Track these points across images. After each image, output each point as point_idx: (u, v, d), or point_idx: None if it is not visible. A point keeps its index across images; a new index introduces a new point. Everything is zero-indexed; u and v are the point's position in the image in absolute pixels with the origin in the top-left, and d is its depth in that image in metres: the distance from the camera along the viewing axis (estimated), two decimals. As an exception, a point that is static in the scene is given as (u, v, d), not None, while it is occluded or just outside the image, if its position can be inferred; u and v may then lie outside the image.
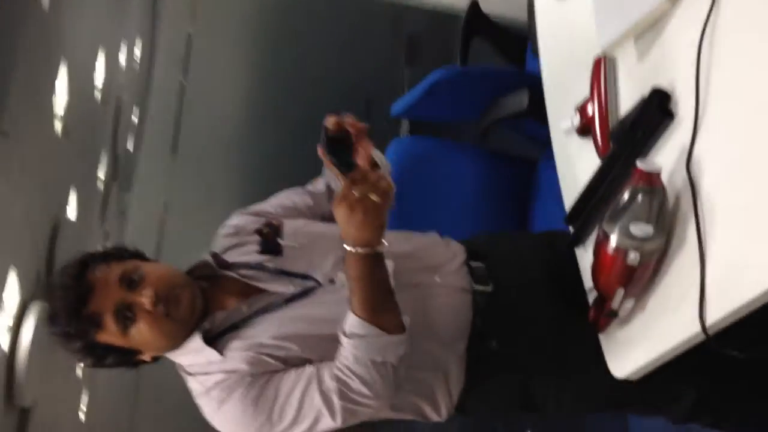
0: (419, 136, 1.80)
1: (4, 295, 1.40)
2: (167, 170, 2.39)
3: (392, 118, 2.46)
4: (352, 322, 1.00)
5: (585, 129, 1.11)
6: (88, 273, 1.05)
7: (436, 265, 1.16)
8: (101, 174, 2.32)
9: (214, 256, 1.15)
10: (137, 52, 2.87)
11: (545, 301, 1.15)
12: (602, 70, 1.09)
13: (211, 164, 2.38)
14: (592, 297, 1.01)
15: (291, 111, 2.46)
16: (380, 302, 1.00)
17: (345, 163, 1.02)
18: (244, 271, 1.12)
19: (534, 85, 1.52)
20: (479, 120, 1.71)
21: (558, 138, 1.24)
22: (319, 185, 1.28)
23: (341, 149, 1.02)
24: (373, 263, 0.98)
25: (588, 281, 1.04)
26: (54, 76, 1.73)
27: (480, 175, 1.78)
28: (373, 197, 0.95)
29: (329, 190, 1.26)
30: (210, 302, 1.11)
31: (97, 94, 2.14)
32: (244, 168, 2.46)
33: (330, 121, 1.03)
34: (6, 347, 1.39)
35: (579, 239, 1.10)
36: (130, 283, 1.05)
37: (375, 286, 0.99)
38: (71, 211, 1.94)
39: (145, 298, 1.03)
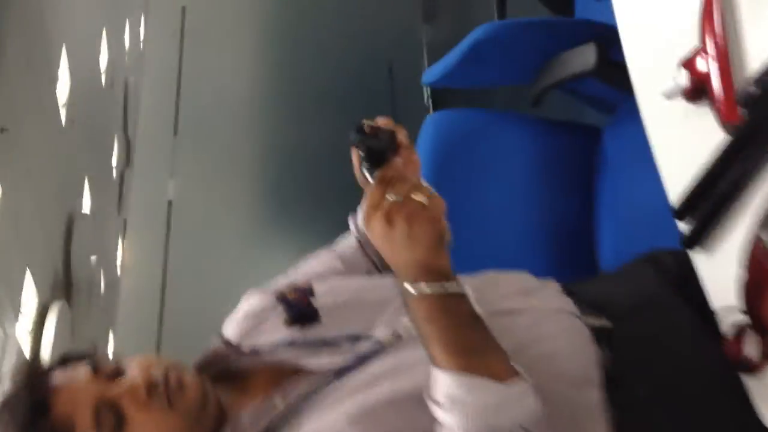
0: (460, 109, 1.51)
1: (22, 298, 1.34)
2: (171, 153, 2.15)
3: (413, 87, 2.23)
4: (442, 383, 0.68)
5: (697, 91, 0.83)
6: (45, 378, 0.78)
7: (529, 288, 0.89)
8: (114, 161, 2.23)
9: (227, 343, 0.87)
10: (141, 30, 2.72)
11: (677, 327, 0.88)
12: (716, 4, 0.81)
13: (218, 145, 2.14)
14: (730, 321, 0.74)
15: (301, 82, 2.20)
16: (475, 340, 0.69)
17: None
18: (270, 355, 0.83)
19: (600, 38, 1.24)
20: (531, 83, 1.42)
21: (650, 103, 0.96)
22: (347, 244, 1.01)
23: (379, 161, 0.77)
24: (445, 296, 0.69)
25: (718, 299, 0.78)
26: (55, 63, 1.65)
27: (539, 149, 1.50)
28: (419, 197, 0.70)
29: (362, 247, 0.99)
30: (229, 407, 0.81)
31: (103, 78, 2.04)
32: (256, 147, 2.21)
33: (379, 122, 0.79)
34: (28, 351, 1.33)
35: (695, 239, 0.82)
36: (110, 372, 0.77)
37: (459, 320, 0.69)
38: (86, 204, 1.88)
39: (136, 384, 0.74)
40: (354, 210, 1.00)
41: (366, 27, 2.30)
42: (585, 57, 1.20)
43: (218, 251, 2.05)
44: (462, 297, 0.71)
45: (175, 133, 2.14)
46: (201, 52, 2.35)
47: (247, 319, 0.90)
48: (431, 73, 1.48)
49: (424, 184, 0.75)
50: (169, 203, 2.07)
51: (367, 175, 0.77)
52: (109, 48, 2.11)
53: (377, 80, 2.16)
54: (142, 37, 2.55)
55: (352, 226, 1.02)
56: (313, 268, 0.99)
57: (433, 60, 2.35)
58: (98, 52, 2.06)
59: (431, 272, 0.70)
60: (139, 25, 2.62)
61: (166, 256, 2.12)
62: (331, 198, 1.97)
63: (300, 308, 0.86)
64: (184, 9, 2.38)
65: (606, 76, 1.30)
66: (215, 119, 2.17)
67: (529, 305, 0.85)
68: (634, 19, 1.00)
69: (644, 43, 0.98)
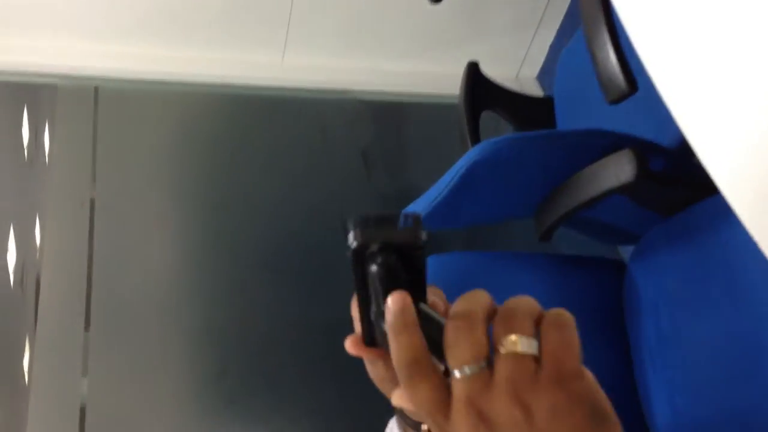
0: (452, 253, 1.20)
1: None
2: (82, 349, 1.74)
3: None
4: None
5: None
6: None
7: None
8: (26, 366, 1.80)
9: None
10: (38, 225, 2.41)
11: None
12: None
13: (140, 337, 1.72)
14: None
15: (241, 251, 1.86)
16: None
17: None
18: None
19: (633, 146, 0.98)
20: (538, 214, 1.14)
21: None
22: None
23: (416, 284, 0.44)
24: None
25: None
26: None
27: (552, 292, 1.19)
28: (528, 348, 0.41)
29: None
30: None
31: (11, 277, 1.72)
32: (190, 332, 1.78)
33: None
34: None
35: None
36: None
37: None
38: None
39: None
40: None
41: (310, 183, 2.03)
42: (621, 168, 0.93)
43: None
44: None
45: (87, 327, 1.79)
46: (114, 238, 2.00)
47: None
48: (407, 214, 1.18)
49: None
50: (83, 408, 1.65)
51: (384, 324, 0.43)
52: (17, 245, 1.81)
53: (332, 238, 1.87)
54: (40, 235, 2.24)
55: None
56: None
57: (388, 208, 2.09)
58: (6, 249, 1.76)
59: None
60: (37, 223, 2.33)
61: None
62: (294, 389, 1.57)
63: None
64: (92, 201, 2.06)
65: (642, 192, 1.03)
66: (136, 308, 1.81)
67: None
68: (696, 96, 0.74)
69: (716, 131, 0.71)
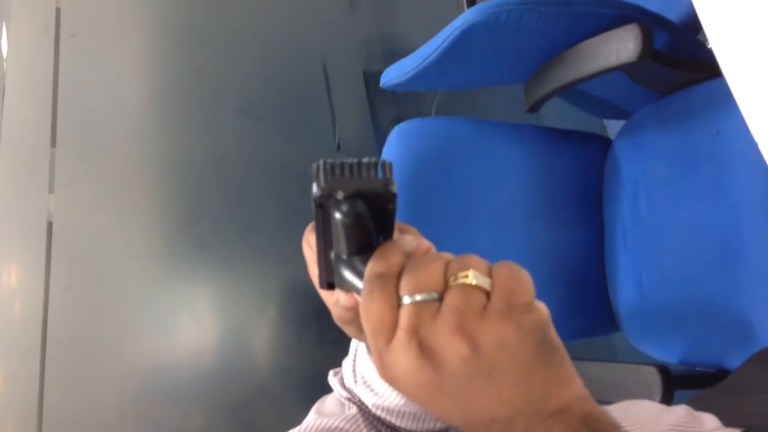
0: (437, 118, 1.16)
1: None
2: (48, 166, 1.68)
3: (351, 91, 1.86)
4: None
5: None
6: None
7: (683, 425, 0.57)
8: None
9: None
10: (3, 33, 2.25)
11: None
12: None
13: (108, 158, 1.66)
14: None
15: (214, 88, 1.78)
16: None
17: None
18: None
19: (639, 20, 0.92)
20: (529, 85, 1.09)
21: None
22: (339, 415, 0.62)
23: (383, 225, 0.42)
24: None
25: None
26: None
27: (534, 165, 1.17)
28: (479, 281, 0.39)
29: (364, 413, 0.63)
30: None
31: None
32: (159, 159, 1.73)
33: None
34: None
35: None
36: None
37: None
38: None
39: None
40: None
41: (292, 20, 1.91)
42: (624, 45, 0.87)
43: (112, 282, 1.61)
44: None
45: (53, 143, 1.73)
46: (83, 54, 1.88)
47: None
48: (393, 73, 1.13)
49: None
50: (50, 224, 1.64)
51: (348, 272, 0.42)
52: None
53: (310, 83, 1.78)
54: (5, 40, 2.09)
55: (337, 386, 0.65)
56: None
57: (371, 56, 2.01)
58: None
59: (565, 419, 0.38)
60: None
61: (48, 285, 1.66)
62: (267, 238, 1.57)
63: None
64: (58, 11, 1.90)
65: (641, 70, 0.98)
66: (105, 135, 1.74)
67: None
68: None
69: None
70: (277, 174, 1.65)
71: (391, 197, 0.40)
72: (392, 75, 1.12)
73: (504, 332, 0.37)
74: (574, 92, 1.18)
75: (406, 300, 0.38)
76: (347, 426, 0.58)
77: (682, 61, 0.99)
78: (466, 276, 0.38)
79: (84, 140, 1.70)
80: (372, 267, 0.40)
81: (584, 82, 1.01)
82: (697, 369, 1.00)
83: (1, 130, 1.75)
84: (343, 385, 0.63)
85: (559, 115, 1.55)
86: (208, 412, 1.40)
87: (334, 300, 0.49)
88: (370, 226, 0.40)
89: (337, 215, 0.39)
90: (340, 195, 0.39)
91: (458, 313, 0.37)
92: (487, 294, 0.38)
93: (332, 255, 0.44)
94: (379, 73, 1.16)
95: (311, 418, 0.62)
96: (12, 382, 1.39)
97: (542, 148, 1.17)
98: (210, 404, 1.40)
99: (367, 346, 0.59)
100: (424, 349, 0.37)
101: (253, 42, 1.86)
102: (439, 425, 0.61)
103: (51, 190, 1.63)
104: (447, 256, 0.40)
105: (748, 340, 0.89)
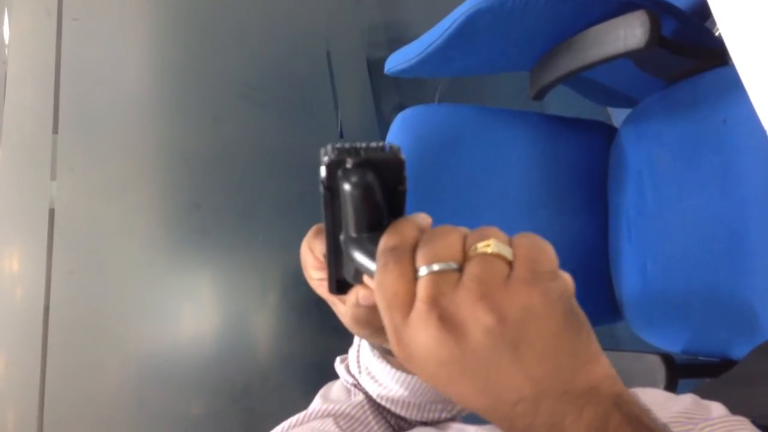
0: (442, 105, 1.15)
1: None
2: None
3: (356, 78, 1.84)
4: None
5: None
6: None
7: (690, 412, 0.55)
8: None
9: None
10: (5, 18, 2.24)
11: None
12: None
13: (110, 145, 1.64)
14: None
15: (217, 74, 1.77)
16: None
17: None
18: None
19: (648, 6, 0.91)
20: (534, 72, 1.08)
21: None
22: (348, 402, 0.61)
23: (393, 206, 0.40)
24: None
25: None
26: None
27: (539, 153, 1.16)
28: (503, 251, 0.37)
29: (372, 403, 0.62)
30: None
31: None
32: (160, 147, 1.72)
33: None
34: None
35: None
36: None
37: None
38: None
39: None
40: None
41: (296, 5, 1.90)
42: (632, 32, 0.86)
43: (114, 268, 1.60)
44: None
45: (56, 129, 1.72)
46: (86, 39, 1.87)
47: None
48: (398, 59, 1.12)
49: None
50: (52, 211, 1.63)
51: (358, 253, 0.40)
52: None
53: (313, 69, 1.77)
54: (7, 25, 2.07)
55: (343, 373, 0.64)
56: None
57: (374, 43, 1.99)
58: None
59: (596, 401, 0.35)
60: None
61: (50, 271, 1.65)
62: (269, 225, 1.57)
63: None
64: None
65: (648, 58, 0.97)
66: (107, 117, 1.73)
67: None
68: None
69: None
70: (280, 160, 1.64)
71: (401, 165, 0.39)
72: (397, 61, 1.11)
73: (530, 300, 0.35)
74: (580, 80, 1.18)
75: (423, 271, 0.36)
76: (354, 412, 0.58)
77: (690, 49, 0.98)
78: (488, 245, 0.36)
79: (86, 126, 1.70)
80: (385, 240, 0.38)
81: (590, 69, 1.00)
82: (700, 358, 0.99)
83: (3, 117, 1.74)
84: (349, 371, 0.63)
85: (563, 104, 1.54)
86: (210, 398, 1.40)
87: (354, 301, 0.47)
88: (380, 201, 0.39)
89: (347, 186, 0.38)
90: (349, 163, 0.38)
91: (481, 282, 0.35)
92: (509, 264, 0.36)
93: (341, 239, 0.43)
94: (383, 60, 1.15)
95: (317, 403, 0.61)
96: (14, 367, 1.39)
97: (547, 135, 1.16)
98: (211, 391, 1.40)
99: (372, 343, 0.57)
100: (444, 321, 0.35)
101: (257, 28, 1.85)
102: (444, 415, 0.60)
103: (53, 177, 1.63)
104: (463, 229, 0.39)
105: (754, 330, 0.89)
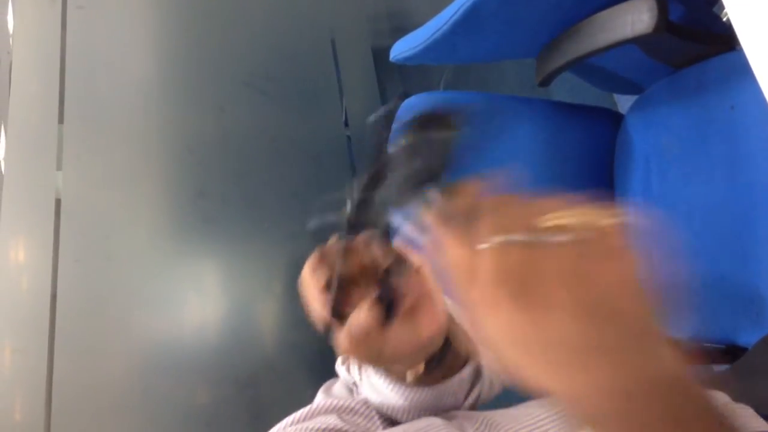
0: (448, 92, 1.15)
1: None
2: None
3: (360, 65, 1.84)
4: None
5: None
6: None
7: None
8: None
9: None
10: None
11: None
12: None
13: (115, 135, 1.65)
14: None
15: (222, 62, 1.76)
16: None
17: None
18: None
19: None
20: (541, 59, 1.08)
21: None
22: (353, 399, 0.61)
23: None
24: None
25: None
26: None
27: (548, 140, 1.16)
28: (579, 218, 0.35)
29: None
30: None
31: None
32: (166, 135, 1.71)
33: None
34: None
35: None
36: None
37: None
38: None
39: None
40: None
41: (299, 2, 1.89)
42: (639, 17, 0.86)
43: (120, 257, 1.60)
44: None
45: (61, 120, 1.72)
46: (90, 27, 1.87)
47: None
48: (403, 46, 1.11)
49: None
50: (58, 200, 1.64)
51: (399, 218, 0.40)
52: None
53: (318, 57, 1.77)
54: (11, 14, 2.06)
55: (344, 373, 0.65)
56: None
57: (379, 32, 1.98)
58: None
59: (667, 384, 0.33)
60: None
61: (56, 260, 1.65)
62: (274, 213, 1.57)
63: None
64: None
65: (655, 44, 0.97)
66: (112, 106, 1.73)
67: None
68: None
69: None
70: (285, 148, 1.64)
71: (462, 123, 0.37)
72: (402, 48, 1.11)
73: (616, 271, 0.33)
74: (586, 66, 1.17)
75: (491, 241, 0.34)
76: (358, 407, 0.58)
77: (697, 34, 0.98)
78: (561, 217, 0.35)
79: (91, 116, 1.70)
80: (449, 205, 0.36)
81: (597, 55, 1.00)
82: (706, 345, 0.99)
83: (9, 107, 1.74)
84: (350, 373, 0.63)
85: (569, 91, 1.54)
86: (215, 386, 1.40)
87: (347, 329, 0.46)
88: (436, 162, 0.37)
89: (404, 140, 0.37)
90: (408, 117, 0.37)
91: (560, 255, 0.33)
92: (583, 238, 0.34)
93: (377, 198, 0.41)
94: (388, 48, 1.15)
95: (321, 398, 0.62)
96: (21, 355, 1.40)
97: (553, 122, 1.16)
98: (217, 379, 1.40)
99: (382, 369, 0.57)
100: (522, 296, 0.33)
101: (262, 16, 1.85)
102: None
103: (59, 167, 1.63)
104: (528, 198, 0.36)
105: (760, 317, 0.89)
